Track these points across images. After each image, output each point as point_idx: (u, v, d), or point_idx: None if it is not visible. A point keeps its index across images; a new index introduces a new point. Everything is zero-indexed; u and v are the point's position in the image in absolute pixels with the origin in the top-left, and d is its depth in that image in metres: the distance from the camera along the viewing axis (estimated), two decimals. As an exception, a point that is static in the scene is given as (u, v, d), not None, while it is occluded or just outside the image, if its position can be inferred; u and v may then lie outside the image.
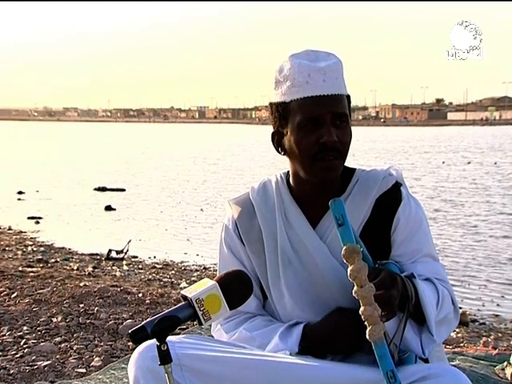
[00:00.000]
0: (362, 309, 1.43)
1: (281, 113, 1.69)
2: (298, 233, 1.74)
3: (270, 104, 1.73)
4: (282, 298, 1.75)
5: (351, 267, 1.44)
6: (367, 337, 1.44)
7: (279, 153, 1.75)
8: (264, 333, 1.71)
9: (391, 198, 1.73)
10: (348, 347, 1.65)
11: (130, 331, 1.34)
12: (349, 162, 1.75)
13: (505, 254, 8.80)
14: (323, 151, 1.63)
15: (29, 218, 11.86)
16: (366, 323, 1.44)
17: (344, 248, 1.46)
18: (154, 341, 1.33)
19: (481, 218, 11.83)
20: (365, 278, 1.43)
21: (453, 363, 2.94)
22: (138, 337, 1.33)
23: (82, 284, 5.24)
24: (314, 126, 1.64)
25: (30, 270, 6.35)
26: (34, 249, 8.63)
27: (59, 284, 5.26)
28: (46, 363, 3.30)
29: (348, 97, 1.71)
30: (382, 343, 1.44)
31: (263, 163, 24.38)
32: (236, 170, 22.64)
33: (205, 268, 7.86)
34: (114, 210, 13.31)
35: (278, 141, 1.74)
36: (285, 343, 1.66)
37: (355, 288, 1.44)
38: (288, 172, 1.80)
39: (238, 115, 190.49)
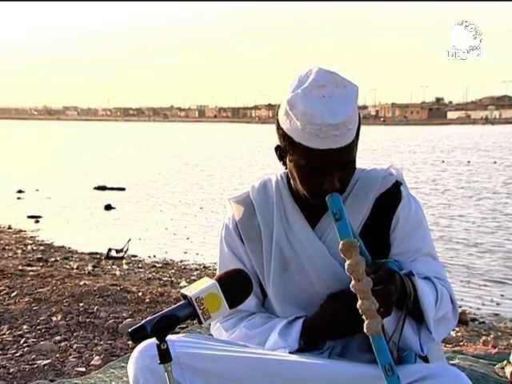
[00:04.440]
0: (359, 303, 1.44)
1: (287, 142, 1.63)
2: (297, 233, 1.74)
3: (277, 121, 1.66)
4: (281, 297, 1.75)
5: (349, 261, 1.45)
6: (365, 331, 1.44)
7: (284, 167, 1.73)
8: (263, 330, 1.72)
9: (391, 197, 1.73)
10: (348, 331, 1.64)
11: (129, 330, 1.34)
12: None
13: (505, 253, 8.81)
14: (323, 193, 1.61)
15: (28, 216, 11.84)
16: (363, 317, 1.44)
17: (341, 242, 1.47)
18: (153, 340, 1.33)
19: (480, 218, 11.84)
20: (362, 272, 1.44)
21: (452, 362, 2.95)
22: (138, 336, 1.33)
23: (81, 283, 5.24)
24: (317, 172, 1.60)
25: (29, 268, 6.35)
26: (34, 248, 8.62)
27: (59, 283, 5.26)
28: (45, 362, 3.30)
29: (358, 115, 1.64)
30: (380, 337, 1.45)
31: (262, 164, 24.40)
32: (236, 170, 22.64)
33: (205, 267, 7.85)
34: (114, 209, 13.30)
35: (280, 155, 1.71)
36: (284, 341, 1.66)
37: (353, 282, 1.45)
38: (288, 172, 1.80)
39: (237, 114, 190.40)
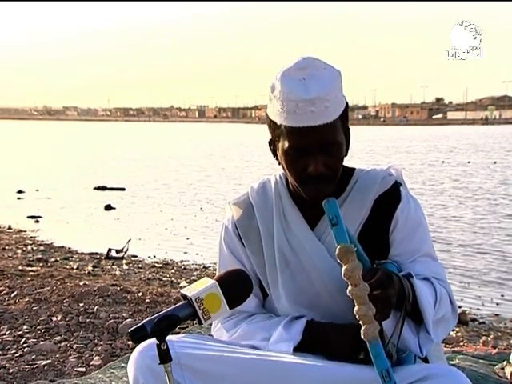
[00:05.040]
0: (356, 308, 1.43)
1: (273, 128, 1.68)
2: (296, 234, 1.74)
3: (266, 113, 1.71)
4: (281, 298, 1.75)
5: (345, 267, 1.45)
6: (362, 336, 1.44)
7: (277, 162, 1.75)
8: (266, 325, 1.72)
9: (390, 197, 1.73)
10: (345, 357, 1.64)
11: (129, 330, 1.34)
12: None
13: (505, 253, 8.81)
14: (310, 179, 1.63)
15: (28, 217, 11.84)
16: (360, 322, 1.44)
17: (338, 248, 1.46)
18: (153, 340, 1.33)
19: (478, 219, 11.83)
20: (359, 277, 1.43)
21: (452, 362, 2.95)
22: (138, 336, 1.33)
23: (81, 283, 5.24)
24: (302, 154, 1.62)
25: (29, 269, 6.34)
26: (34, 248, 8.62)
27: (59, 283, 5.26)
28: (45, 362, 3.30)
29: (346, 104, 1.68)
30: (377, 342, 1.44)
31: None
32: (235, 170, 22.64)
33: (205, 267, 7.85)
34: (114, 209, 13.29)
35: (273, 150, 1.74)
36: (288, 332, 1.66)
37: (349, 287, 1.44)
38: None
39: (237, 114, 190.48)
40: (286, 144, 1.63)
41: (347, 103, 1.69)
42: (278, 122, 1.64)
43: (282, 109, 1.60)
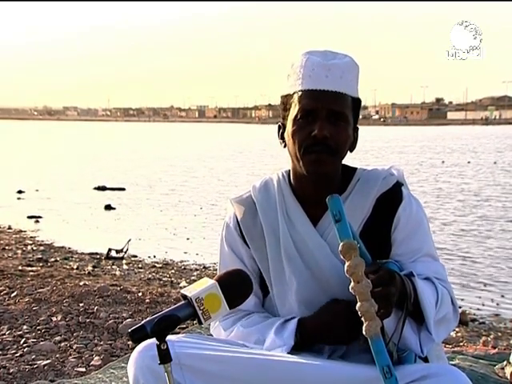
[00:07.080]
0: (358, 304, 1.44)
1: (284, 105, 1.74)
2: (299, 230, 1.74)
3: (280, 98, 1.77)
4: (285, 295, 1.75)
5: (348, 263, 1.45)
6: (364, 332, 1.44)
7: (282, 145, 1.78)
8: (260, 328, 1.72)
9: (392, 197, 1.74)
10: (345, 337, 1.65)
11: (129, 330, 1.34)
12: None
13: (504, 253, 8.81)
14: (313, 145, 1.65)
15: (28, 217, 11.85)
16: (362, 319, 1.44)
17: (341, 244, 1.46)
18: (153, 340, 1.33)
19: (479, 217, 11.83)
20: (361, 273, 1.44)
21: (452, 362, 2.94)
22: (138, 336, 1.33)
23: (81, 283, 5.24)
24: (309, 120, 1.66)
25: (29, 269, 6.35)
26: (34, 248, 8.62)
27: (59, 283, 5.26)
28: (45, 362, 3.30)
29: (356, 100, 1.72)
30: (379, 339, 1.45)
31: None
32: (236, 171, 22.65)
33: (204, 267, 7.86)
34: (114, 209, 13.30)
35: (281, 134, 1.78)
36: (280, 338, 1.66)
37: (352, 284, 1.45)
38: (289, 170, 1.81)
39: (237, 114, 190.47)
40: (297, 109, 1.68)
41: (360, 102, 1.74)
42: (292, 91, 1.70)
43: (298, 77, 1.68)
